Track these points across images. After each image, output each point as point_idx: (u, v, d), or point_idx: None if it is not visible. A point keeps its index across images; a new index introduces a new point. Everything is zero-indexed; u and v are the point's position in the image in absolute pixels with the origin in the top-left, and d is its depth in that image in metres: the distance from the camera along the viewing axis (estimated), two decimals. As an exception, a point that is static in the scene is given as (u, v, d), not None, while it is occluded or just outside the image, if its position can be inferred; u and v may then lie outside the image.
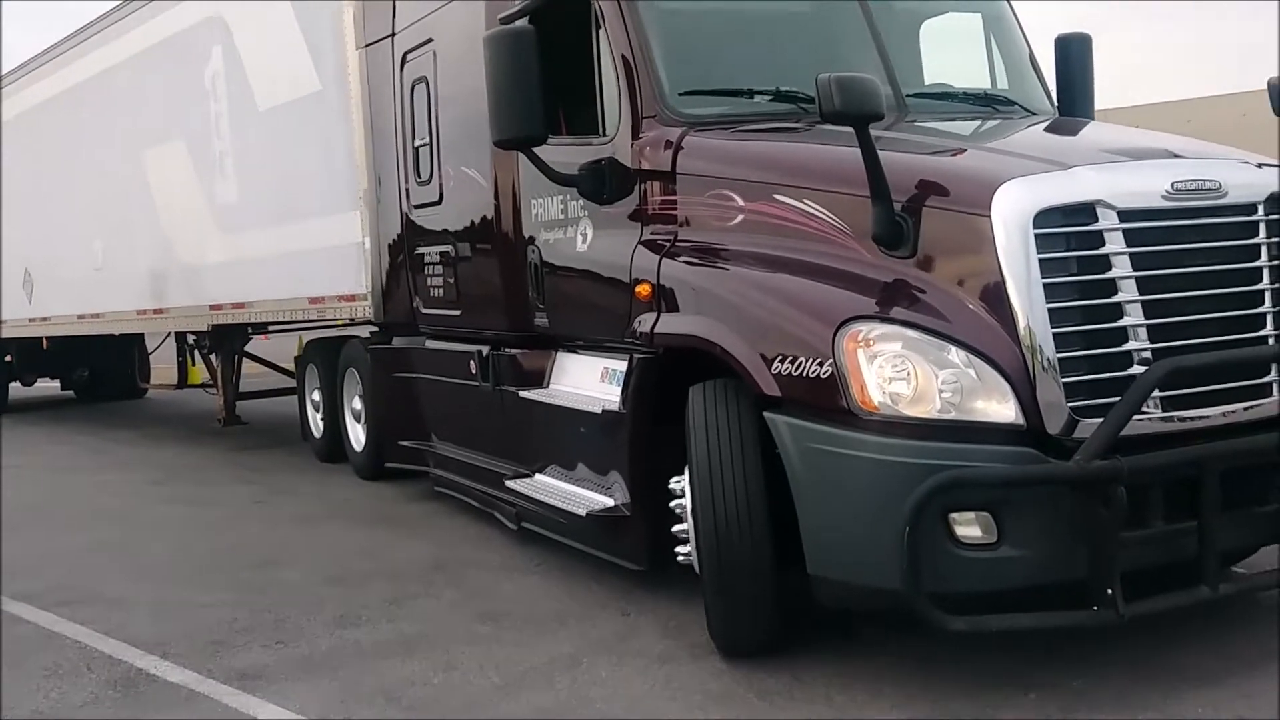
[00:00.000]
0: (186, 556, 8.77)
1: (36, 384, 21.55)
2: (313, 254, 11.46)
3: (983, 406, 5.02)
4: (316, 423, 12.68)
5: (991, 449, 4.96)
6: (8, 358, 20.32)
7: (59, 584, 8.06)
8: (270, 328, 14.39)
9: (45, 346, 19.35)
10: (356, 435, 11.62)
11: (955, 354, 5.05)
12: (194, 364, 17.58)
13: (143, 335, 18.37)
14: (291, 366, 14.25)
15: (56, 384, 21.68)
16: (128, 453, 14.76)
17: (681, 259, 6.38)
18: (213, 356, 15.64)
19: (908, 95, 6.95)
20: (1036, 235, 5.06)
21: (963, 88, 7.53)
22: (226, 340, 15.04)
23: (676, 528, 6.11)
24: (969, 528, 4.95)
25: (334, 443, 12.10)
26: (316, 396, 12.60)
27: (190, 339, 16.59)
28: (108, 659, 6.46)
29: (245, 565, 8.30)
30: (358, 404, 11.50)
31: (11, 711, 5.81)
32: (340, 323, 12.35)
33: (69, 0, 19.73)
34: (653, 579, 6.87)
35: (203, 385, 17.21)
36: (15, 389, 21.13)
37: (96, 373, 20.71)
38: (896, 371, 5.05)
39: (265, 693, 5.80)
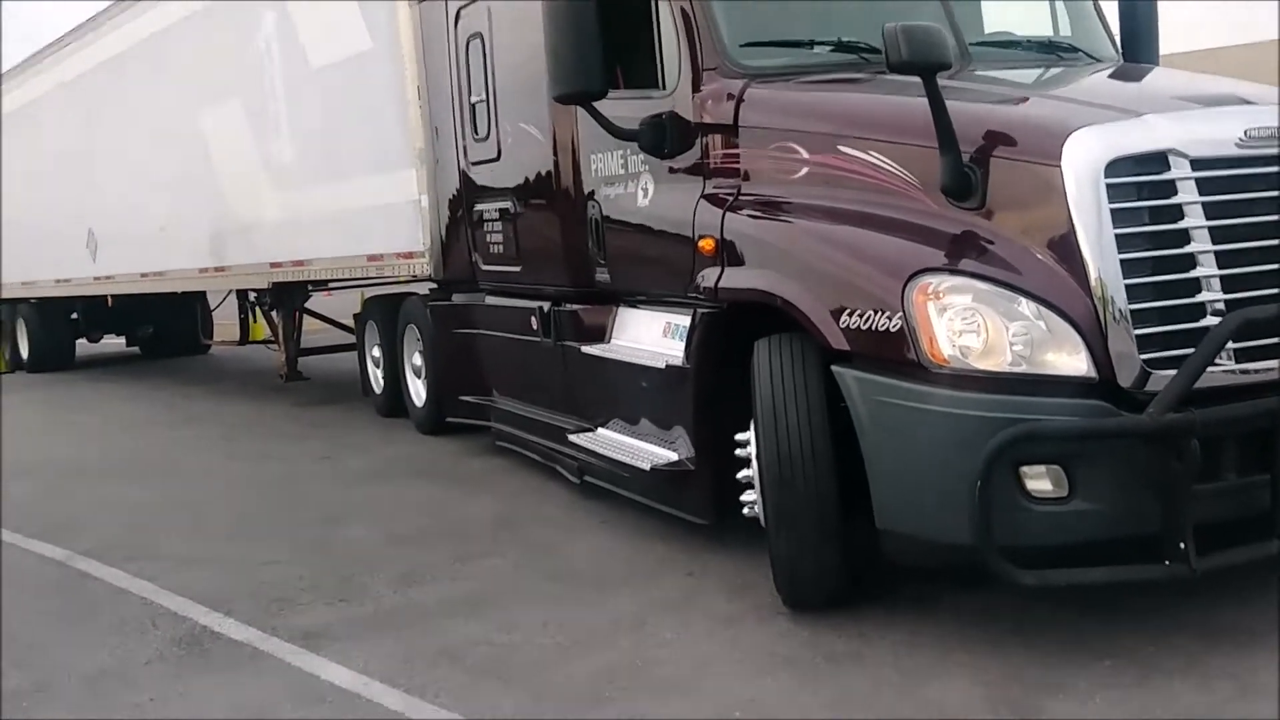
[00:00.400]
0: (251, 512, 8.84)
1: (102, 340, 21.84)
2: (370, 211, 11.47)
3: (1054, 359, 4.95)
4: (377, 378, 12.72)
5: (1063, 402, 4.90)
6: (74, 315, 20.65)
7: (126, 540, 8.15)
8: (331, 284, 14.45)
9: (110, 304, 19.66)
10: (417, 390, 11.64)
11: (1026, 306, 4.98)
12: (255, 320, 17.68)
13: (205, 292, 18.52)
14: (351, 323, 14.30)
15: (122, 340, 21.95)
16: (194, 408, 14.94)
17: (745, 212, 6.32)
18: (274, 313, 15.71)
19: (970, 44, 6.85)
20: (1108, 185, 4.98)
21: (1025, 35, 7.39)
22: (287, 297, 15.09)
23: (741, 474, 6.07)
24: (1040, 481, 4.89)
25: (394, 398, 12.14)
26: (377, 352, 12.62)
27: (251, 296, 16.65)
28: (173, 616, 6.52)
29: (309, 521, 8.36)
30: (418, 360, 11.50)
31: (78, 666, 5.88)
32: (400, 280, 12.39)
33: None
34: (718, 537, 6.84)
35: (264, 342, 17.34)
36: (82, 345, 21.49)
37: (160, 329, 21.01)
38: (966, 324, 4.99)
39: (329, 652, 5.81)
